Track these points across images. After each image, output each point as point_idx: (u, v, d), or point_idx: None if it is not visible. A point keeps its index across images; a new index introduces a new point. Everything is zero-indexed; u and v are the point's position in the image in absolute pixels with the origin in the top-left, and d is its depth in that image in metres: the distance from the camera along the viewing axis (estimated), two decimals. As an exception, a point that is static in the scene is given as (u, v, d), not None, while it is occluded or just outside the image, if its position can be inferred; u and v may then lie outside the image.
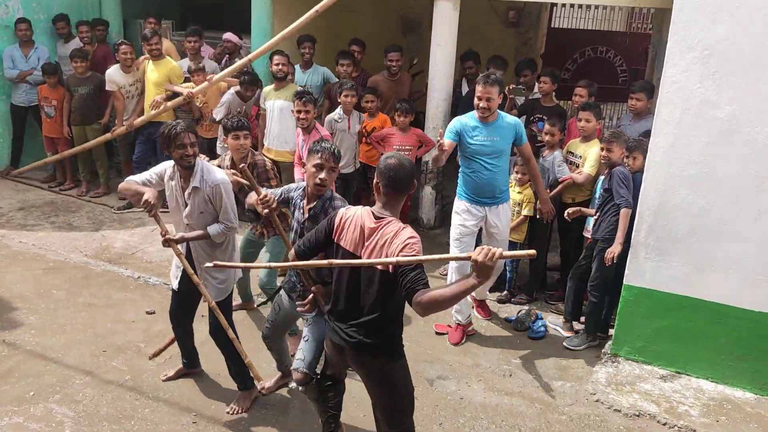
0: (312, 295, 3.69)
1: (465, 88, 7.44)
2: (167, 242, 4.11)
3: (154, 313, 5.51)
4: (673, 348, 4.92)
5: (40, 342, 5.02)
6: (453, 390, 4.72)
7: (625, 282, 4.98)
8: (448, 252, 6.65)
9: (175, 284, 4.40)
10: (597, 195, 5.29)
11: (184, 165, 4.05)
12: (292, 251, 3.54)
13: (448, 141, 5.06)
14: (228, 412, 4.32)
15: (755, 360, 4.69)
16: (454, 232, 5.34)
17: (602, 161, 5.14)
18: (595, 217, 5.26)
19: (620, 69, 9.56)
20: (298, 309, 3.77)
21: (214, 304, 4.20)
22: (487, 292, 5.85)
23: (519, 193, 5.89)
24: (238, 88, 6.88)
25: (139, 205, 3.99)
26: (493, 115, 5.07)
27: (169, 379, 4.65)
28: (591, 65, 9.51)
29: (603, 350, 5.22)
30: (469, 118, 5.15)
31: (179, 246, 4.20)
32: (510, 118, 5.23)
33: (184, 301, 4.45)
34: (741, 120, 4.42)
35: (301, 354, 3.81)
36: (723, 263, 4.65)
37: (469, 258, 2.74)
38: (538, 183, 5.52)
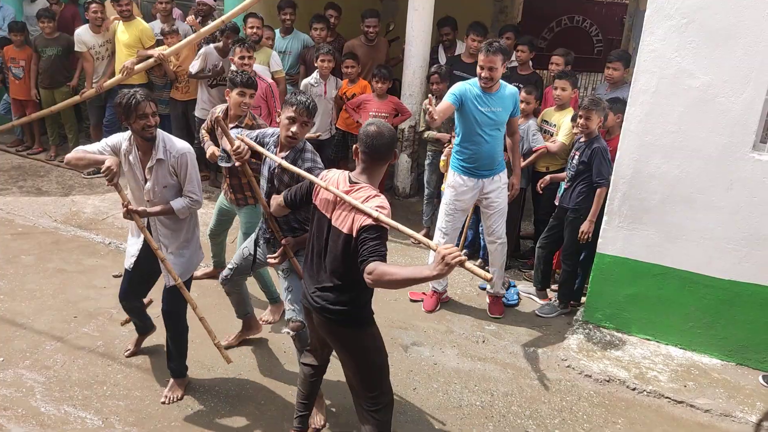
0: (282, 247, 3.68)
1: (442, 55, 7.37)
2: (129, 214, 3.82)
3: (120, 276, 5.44)
4: (643, 315, 5.00)
5: (10, 307, 4.94)
6: (427, 356, 4.75)
7: (597, 250, 5.03)
8: (422, 224, 6.69)
9: (130, 263, 4.10)
10: (573, 163, 5.28)
11: (146, 136, 3.74)
12: (281, 198, 3.51)
13: (444, 105, 4.90)
14: (163, 402, 4.07)
15: (723, 327, 4.79)
16: (447, 207, 5.22)
17: (580, 130, 5.14)
18: (566, 185, 5.27)
19: (596, 39, 9.56)
20: (268, 260, 3.77)
21: (181, 282, 3.93)
22: (501, 288, 5.47)
23: None
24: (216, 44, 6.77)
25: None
26: (496, 84, 4.93)
27: (132, 354, 4.52)
28: (567, 34, 9.49)
29: (575, 317, 5.29)
30: (473, 86, 4.98)
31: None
32: (510, 89, 5.08)
33: (139, 280, 4.20)
34: (716, 90, 4.44)
35: (289, 305, 3.82)
36: (694, 232, 4.71)
37: (435, 249, 2.67)
38: (516, 157, 5.37)
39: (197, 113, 6.92)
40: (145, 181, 3.85)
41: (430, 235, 6.64)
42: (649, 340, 5.02)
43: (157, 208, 3.85)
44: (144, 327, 4.53)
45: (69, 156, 3.88)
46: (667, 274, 4.84)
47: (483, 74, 4.84)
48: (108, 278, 5.45)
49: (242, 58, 5.51)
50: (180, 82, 7.21)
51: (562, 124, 5.72)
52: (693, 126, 4.56)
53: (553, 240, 5.42)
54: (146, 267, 4.07)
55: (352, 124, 6.83)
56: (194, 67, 6.69)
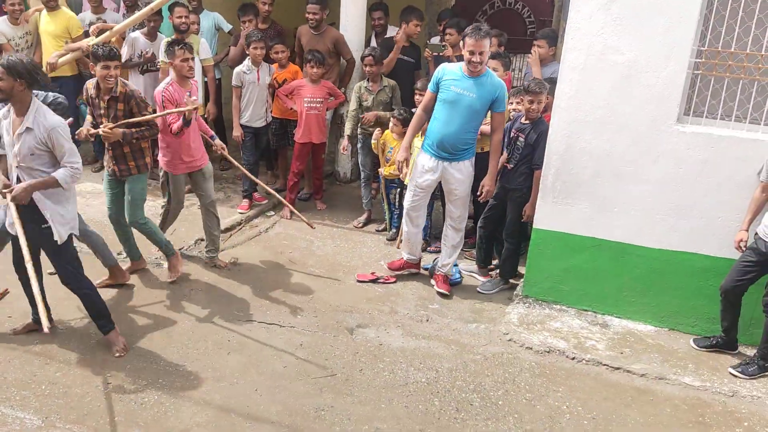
0: None
1: (373, 41, 7.38)
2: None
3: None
4: (580, 287, 5.16)
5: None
6: (372, 337, 4.79)
7: (534, 226, 5.15)
8: (362, 207, 6.72)
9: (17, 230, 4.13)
10: (517, 144, 5.31)
11: None
12: None
13: (427, 98, 5.18)
14: (117, 355, 4.37)
15: (655, 295, 4.98)
16: (410, 184, 5.40)
17: (528, 114, 5.20)
18: (510, 166, 5.34)
19: (528, 21, 9.69)
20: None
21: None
22: (449, 270, 5.53)
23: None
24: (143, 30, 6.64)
25: None
26: (482, 69, 4.98)
27: (18, 333, 4.57)
28: (500, 17, 9.59)
29: (515, 292, 5.41)
30: (456, 68, 5.05)
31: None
32: (495, 80, 5.07)
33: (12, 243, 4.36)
34: (641, 65, 4.59)
35: None
36: (625, 204, 4.87)
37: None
38: (494, 158, 5.23)
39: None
40: (13, 144, 4.02)
41: (372, 219, 6.69)
42: (586, 310, 5.18)
43: (40, 180, 4.01)
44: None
45: None
46: (601, 246, 5.00)
47: (473, 59, 4.87)
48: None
49: (185, 60, 5.27)
50: None
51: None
52: (620, 101, 4.70)
53: (494, 219, 5.52)
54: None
55: (287, 110, 6.79)
56: (123, 54, 6.54)
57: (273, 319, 4.96)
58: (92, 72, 4.83)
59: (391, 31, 7.18)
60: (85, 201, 6.75)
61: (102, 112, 4.90)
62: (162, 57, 6.58)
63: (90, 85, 4.96)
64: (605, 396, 4.30)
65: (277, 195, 6.08)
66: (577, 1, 4.65)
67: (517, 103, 5.48)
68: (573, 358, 4.65)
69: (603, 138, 4.80)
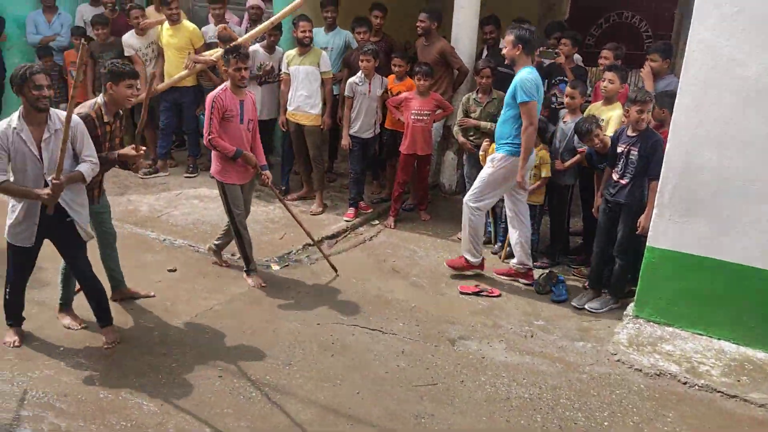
0: None
1: (485, 55, 7.36)
2: (56, 192, 4.07)
3: (175, 270, 5.67)
4: (695, 309, 4.91)
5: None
6: (474, 349, 4.77)
7: (648, 243, 4.97)
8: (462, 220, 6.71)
9: (32, 241, 4.31)
10: (630, 158, 5.15)
11: (40, 107, 4.01)
12: None
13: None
14: (106, 347, 4.53)
15: (778, 322, 4.68)
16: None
17: (636, 124, 5.06)
18: (623, 181, 5.18)
19: (645, 34, 9.41)
20: None
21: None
22: (514, 261, 5.80)
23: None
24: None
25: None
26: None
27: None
28: (616, 31, 9.38)
29: (625, 312, 5.22)
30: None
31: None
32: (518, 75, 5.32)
33: (34, 255, 4.46)
34: (769, 78, 4.36)
35: None
36: (747, 224, 4.61)
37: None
38: (525, 153, 5.34)
39: None
40: (41, 154, 4.09)
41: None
42: (700, 334, 4.93)
43: (69, 176, 4.13)
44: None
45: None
46: (720, 268, 4.75)
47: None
48: (163, 272, 5.63)
49: (238, 70, 5.20)
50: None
51: (611, 120, 5.66)
52: (745, 116, 4.47)
53: (609, 237, 5.35)
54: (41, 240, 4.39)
55: (398, 122, 6.88)
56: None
57: (376, 325, 5.02)
58: (214, 81, 4.93)
59: (503, 45, 7.15)
60: (204, 204, 7.11)
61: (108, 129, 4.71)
62: (284, 69, 6.85)
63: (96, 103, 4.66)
64: (719, 425, 4.08)
65: (298, 221, 5.91)
66: (701, 13, 4.48)
67: (626, 115, 5.32)
68: (685, 383, 4.44)
69: (726, 154, 4.57)
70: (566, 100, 5.83)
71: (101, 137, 4.58)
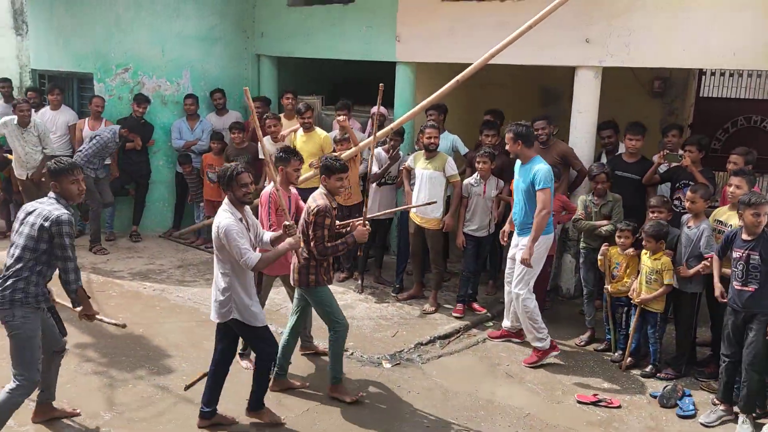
0: None
1: (603, 158, 7.32)
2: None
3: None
4: None
5: (191, 388, 5.33)
6: (592, 464, 4.50)
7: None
8: (585, 325, 6.50)
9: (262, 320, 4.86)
10: (752, 264, 4.89)
11: (246, 201, 4.64)
12: None
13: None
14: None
15: None
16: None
17: (757, 228, 4.83)
18: (750, 288, 4.87)
19: (776, 139, 9.01)
20: None
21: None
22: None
23: (656, 260, 5.66)
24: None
25: None
26: (524, 158, 5.89)
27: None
28: (744, 135, 9.05)
29: (762, 430, 4.78)
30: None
31: None
32: (535, 163, 5.82)
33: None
34: None
35: None
36: None
37: None
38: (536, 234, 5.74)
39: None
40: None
41: (596, 338, 6.40)
42: None
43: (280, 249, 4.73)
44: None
45: (259, 264, 4.58)
46: None
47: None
48: (278, 365, 5.76)
49: (297, 170, 5.68)
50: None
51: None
52: None
53: (738, 350, 5.01)
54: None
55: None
56: (373, 168, 7.09)
57: (488, 430, 4.87)
58: (323, 183, 5.20)
59: (621, 148, 7.10)
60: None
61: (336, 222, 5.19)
62: (410, 164, 7.09)
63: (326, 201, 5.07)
64: None
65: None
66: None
67: (740, 218, 5.06)
68: None
69: None
70: (687, 204, 5.64)
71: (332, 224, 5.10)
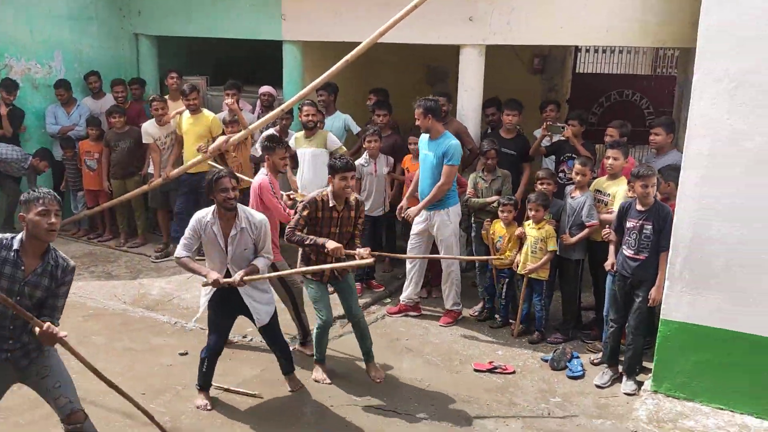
0: None
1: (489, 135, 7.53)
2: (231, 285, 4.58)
3: (186, 354, 5.62)
4: (714, 383, 4.83)
5: (81, 385, 4.98)
6: (491, 429, 4.68)
7: (662, 316, 4.94)
8: (478, 296, 6.70)
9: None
10: (644, 234, 5.16)
11: (228, 207, 4.51)
12: None
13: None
14: (293, 390, 5.08)
15: (801, 394, 4.58)
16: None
17: (643, 199, 5.10)
18: (640, 257, 5.16)
19: (647, 111, 9.59)
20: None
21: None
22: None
23: (540, 229, 5.91)
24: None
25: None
26: (433, 132, 6.05)
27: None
28: (617, 109, 9.56)
29: (642, 387, 5.13)
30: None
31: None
32: (446, 137, 6.02)
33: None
34: (773, 149, 4.43)
35: None
36: (763, 294, 4.59)
37: None
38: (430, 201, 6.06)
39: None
40: (226, 247, 4.60)
41: (487, 308, 6.61)
42: (722, 409, 4.82)
43: (247, 270, 4.59)
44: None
45: (179, 261, 4.69)
46: (737, 339, 4.70)
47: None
48: (174, 356, 5.59)
49: (283, 158, 5.71)
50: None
51: (617, 195, 5.72)
52: (753, 187, 4.53)
53: (624, 314, 5.31)
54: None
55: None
56: (257, 151, 6.99)
57: (390, 406, 4.95)
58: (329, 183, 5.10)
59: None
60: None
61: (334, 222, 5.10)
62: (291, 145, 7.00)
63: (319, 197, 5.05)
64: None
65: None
66: (700, 87, 4.61)
67: (631, 189, 5.37)
68: (710, 461, 4.32)
69: (734, 226, 4.60)
70: (577, 177, 5.89)
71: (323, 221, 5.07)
